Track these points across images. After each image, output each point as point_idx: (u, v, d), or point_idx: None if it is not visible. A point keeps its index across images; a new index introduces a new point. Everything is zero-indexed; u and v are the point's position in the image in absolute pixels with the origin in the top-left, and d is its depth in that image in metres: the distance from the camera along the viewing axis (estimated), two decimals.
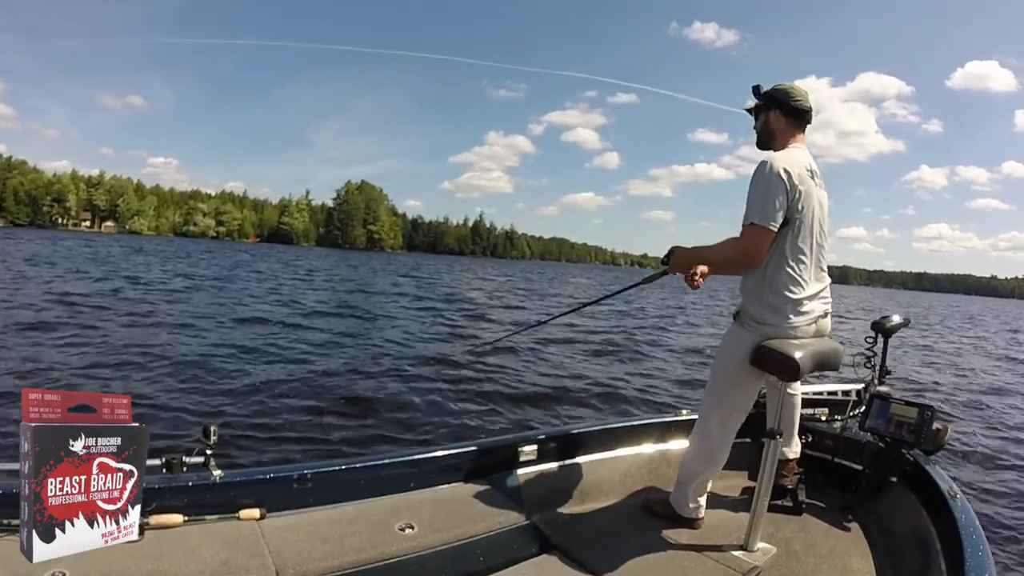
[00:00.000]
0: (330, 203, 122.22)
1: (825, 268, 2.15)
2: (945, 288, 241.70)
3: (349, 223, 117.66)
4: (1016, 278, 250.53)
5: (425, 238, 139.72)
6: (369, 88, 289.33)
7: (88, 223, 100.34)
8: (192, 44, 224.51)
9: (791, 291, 2.03)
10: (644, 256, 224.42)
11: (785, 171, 1.96)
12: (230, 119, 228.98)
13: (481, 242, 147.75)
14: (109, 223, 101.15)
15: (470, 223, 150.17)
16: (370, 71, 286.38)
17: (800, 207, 2.00)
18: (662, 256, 2.27)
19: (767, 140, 2.19)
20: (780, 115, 2.15)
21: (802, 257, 2.04)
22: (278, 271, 28.60)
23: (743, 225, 2.00)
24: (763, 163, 2.01)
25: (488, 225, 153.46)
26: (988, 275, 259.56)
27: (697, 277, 2.17)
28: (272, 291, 17.43)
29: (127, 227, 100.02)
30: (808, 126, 2.19)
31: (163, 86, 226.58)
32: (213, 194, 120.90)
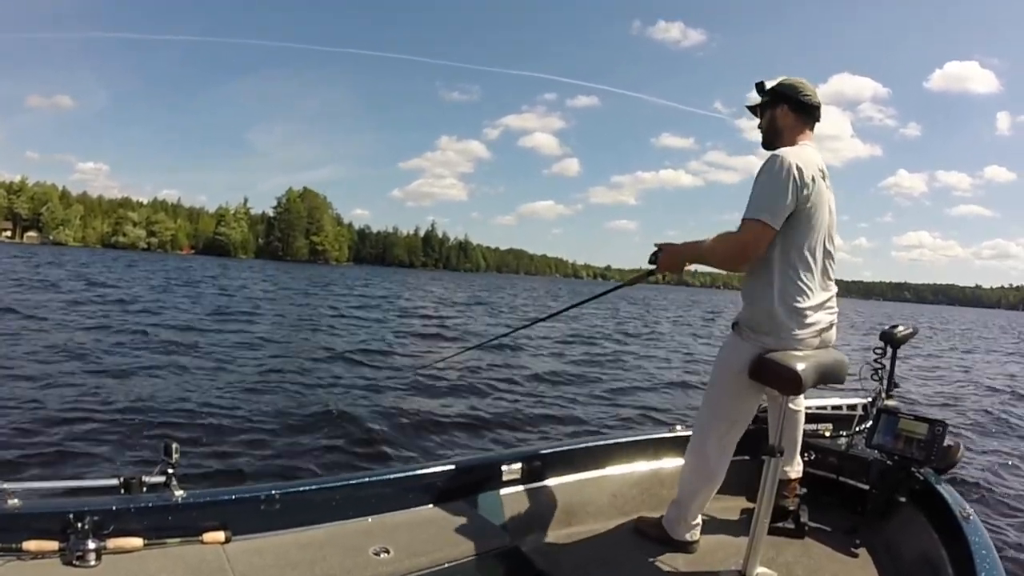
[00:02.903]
0: (271, 212, 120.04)
1: (832, 276, 2.15)
2: (927, 299, 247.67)
3: (290, 233, 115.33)
4: (1002, 287, 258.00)
5: (373, 249, 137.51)
6: (317, 89, 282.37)
7: (9, 233, 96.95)
8: (127, 40, 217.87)
9: (796, 301, 2.03)
10: (608, 268, 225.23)
11: (797, 168, 1.97)
12: (167, 121, 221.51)
13: (433, 253, 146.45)
14: (32, 233, 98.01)
15: (421, 233, 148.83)
16: (318, 70, 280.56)
17: (809, 209, 2.00)
18: (649, 256, 2.25)
19: (774, 138, 2.20)
20: (788, 111, 2.16)
21: (809, 264, 2.04)
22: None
23: (744, 219, 2.00)
24: (774, 156, 2.01)
25: (440, 235, 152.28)
26: (972, 284, 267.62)
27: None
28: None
29: (51, 237, 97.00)
30: (817, 124, 2.21)
31: (95, 85, 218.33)
32: (145, 202, 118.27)
